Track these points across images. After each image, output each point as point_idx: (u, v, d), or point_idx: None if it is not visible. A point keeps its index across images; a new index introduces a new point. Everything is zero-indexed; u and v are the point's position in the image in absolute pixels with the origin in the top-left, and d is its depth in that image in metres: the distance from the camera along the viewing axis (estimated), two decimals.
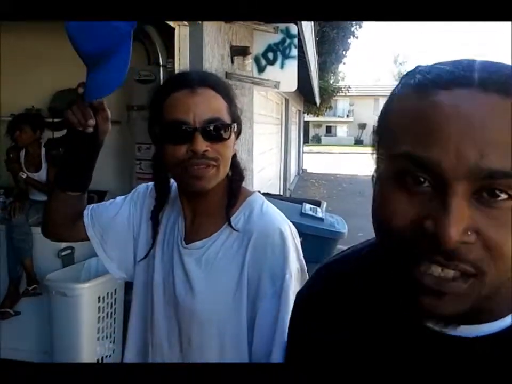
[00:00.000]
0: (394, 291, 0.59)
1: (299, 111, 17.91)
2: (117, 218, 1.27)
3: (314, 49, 7.86)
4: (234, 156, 1.14)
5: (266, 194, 3.47)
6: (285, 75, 4.41)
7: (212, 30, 3.17)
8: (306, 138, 22.48)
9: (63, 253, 3.43)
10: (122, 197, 1.34)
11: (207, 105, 1.06)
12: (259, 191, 1.23)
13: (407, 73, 0.57)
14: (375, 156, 0.58)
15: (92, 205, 1.30)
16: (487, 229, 0.49)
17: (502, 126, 0.48)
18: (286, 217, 1.14)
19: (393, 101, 0.56)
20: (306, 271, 1.11)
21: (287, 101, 11.41)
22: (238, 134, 1.14)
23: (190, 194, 1.14)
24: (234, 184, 1.14)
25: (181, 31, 2.96)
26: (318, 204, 3.68)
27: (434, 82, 0.52)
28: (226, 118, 1.08)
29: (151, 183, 1.29)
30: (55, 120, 3.87)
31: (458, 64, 0.53)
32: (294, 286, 1.03)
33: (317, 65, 10.11)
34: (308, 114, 22.69)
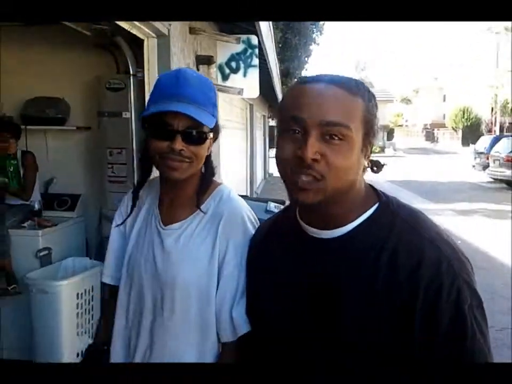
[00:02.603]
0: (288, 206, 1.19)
1: (264, 116, 18.18)
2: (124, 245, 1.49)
3: (276, 57, 8.15)
4: (209, 155, 1.39)
5: None
6: (248, 83, 4.67)
7: (178, 40, 3.39)
8: (272, 143, 22.69)
9: (41, 253, 3.59)
10: (114, 226, 1.53)
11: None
12: None
13: (296, 79, 1.12)
14: (277, 127, 1.06)
15: (105, 268, 1.54)
16: (328, 154, 0.96)
17: (335, 100, 0.97)
18: (246, 204, 1.41)
19: (285, 93, 1.08)
20: None
21: (251, 106, 11.65)
22: (215, 138, 1.38)
23: (169, 184, 1.38)
24: (207, 178, 1.40)
25: (150, 42, 3.16)
26: (282, 202, 3.92)
27: (303, 81, 1.03)
28: (205, 127, 1.29)
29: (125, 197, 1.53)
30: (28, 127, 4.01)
31: (320, 74, 1.03)
32: None
33: (279, 72, 10.39)
34: (272, 119, 22.97)
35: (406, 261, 0.95)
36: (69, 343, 3.36)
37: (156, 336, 1.35)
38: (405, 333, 0.93)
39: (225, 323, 1.30)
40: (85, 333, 3.49)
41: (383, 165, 1.09)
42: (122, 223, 1.48)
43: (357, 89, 0.99)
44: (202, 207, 1.35)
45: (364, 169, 1.05)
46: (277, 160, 1.04)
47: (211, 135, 1.34)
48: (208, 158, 1.39)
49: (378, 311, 0.95)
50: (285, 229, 1.18)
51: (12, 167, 3.66)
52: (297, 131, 0.98)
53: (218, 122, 1.38)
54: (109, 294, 1.54)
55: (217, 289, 1.32)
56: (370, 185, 1.10)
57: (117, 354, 1.44)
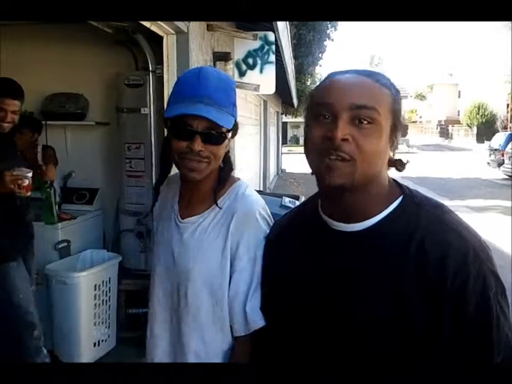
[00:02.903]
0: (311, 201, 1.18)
1: (277, 112, 18.19)
2: None
3: (291, 53, 8.17)
4: (228, 152, 1.41)
5: None
6: (264, 79, 4.71)
7: (196, 37, 3.44)
8: (285, 139, 22.70)
9: (60, 246, 3.68)
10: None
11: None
12: None
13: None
14: (305, 119, 1.08)
15: None
16: (358, 136, 0.98)
17: (363, 87, 1.00)
18: (263, 201, 1.42)
19: (316, 87, 1.10)
20: None
21: (265, 102, 11.66)
22: (233, 135, 1.40)
23: (188, 181, 1.41)
24: (225, 174, 1.41)
25: (169, 39, 3.22)
26: (296, 198, 3.96)
27: (334, 73, 1.08)
28: (224, 127, 1.31)
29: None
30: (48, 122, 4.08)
31: (349, 69, 1.07)
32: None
33: (293, 68, 10.40)
34: (286, 115, 22.99)
35: (434, 251, 0.96)
36: (87, 333, 3.46)
37: (174, 330, 1.40)
38: (432, 322, 0.95)
39: (238, 317, 1.33)
40: (102, 323, 3.58)
41: (406, 163, 1.11)
42: (144, 217, 1.55)
43: (385, 81, 1.03)
44: (218, 202, 1.37)
45: (389, 166, 1.07)
46: (306, 148, 1.05)
47: (230, 134, 1.35)
48: (227, 154, 1.41)
49: (407, 302, 0.97)
50: (305, 223, 1.18)
51: (44, 195, 3.28)
52: (327, 116, 1.00)
53: (237, 120, 1.39)
54: None
55: (230, 284, 1.34)
56: (394, 180, 1.11)
57: (147, 349, 1.49)
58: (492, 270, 0.97)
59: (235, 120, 1.36)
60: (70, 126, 4.23)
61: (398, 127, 1.03)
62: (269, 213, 1.40)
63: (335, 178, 0.98)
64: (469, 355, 0.95)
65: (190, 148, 1.28)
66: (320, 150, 1.00)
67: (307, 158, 1.05)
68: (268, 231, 1.35)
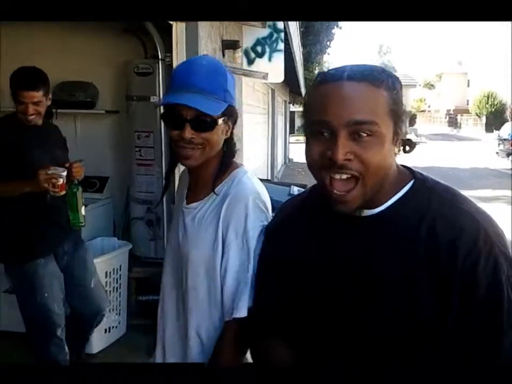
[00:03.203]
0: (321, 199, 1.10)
1: (285, 101, 18.14)
2: None
3: (299, 41, 8.14)
4: (230, 138, 1.43)
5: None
6: (273, 67, 4.70)
7: (205, 25, 3.43)
8: (292, 128, 22.60)
9: None
10: None
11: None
12: None
13: (316, 75, 1.04)
14: (304, 130, 1.07)
15: None
16: (359, 152, 0.97)
17: (359, 98, 0.97)
18: (259, 188, 1.41)
19: (308, 92, 1.03)
20: None
21: (273, 91, 11.64)
22: (234, 121, 1.41)
23: (190, 169, 1.45)
24: (226, 159, 1.43)
25: (178, 27, 3.22)
26: (304, 187, 3.98)
27: (324, 79, 1.01)
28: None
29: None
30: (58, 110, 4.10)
31: (340, 68, 1.02)
32: (254, 239, 1.32)
33: (302, 56, 10.36)
34: (293, 104, 22.90)
35: (446, 234, 0.95)
36: None
37: (179, 309, 1.45)
38: (442, 304, 0.94)
39: (225, 303, 1.34)
40: (113, 310, 3.61)
41: (415, 144, 1.08)
42: (155, 207, 1.60)
43: (380, 80, 0.98)
44: (217, 188, 1.39)
45: (396, 153, 1.05)
46: (307, 161, 1.04)
47: (225, 119, 1.37)
48: (229, 140, 1.42)
49: (417, 285, 0.96)
50: (314, 209, 1.16)
51: (70, 195, 2.79)
52: (325, 133, 0.98)
53: (233, 105, 1.39)
54: None
55: (221, 270, 1.36)
56: (404, 166, 1.10)
57: (158, 326, 1.54)
58: (503, 252, 0.95)
59: (229, 105, 1.36)
60: (79, 115, 4.25)
61: (399, 123, 1.01)
62: (265, 200, 1.40)
63: (345, 206, 1.01)
64: (478, 340, 0.94)
65: (181, 136, 1.32)
66: (322, 167, 1.00)
67: (310, 171, 1.05)
68: (263, 219, 1.35)
